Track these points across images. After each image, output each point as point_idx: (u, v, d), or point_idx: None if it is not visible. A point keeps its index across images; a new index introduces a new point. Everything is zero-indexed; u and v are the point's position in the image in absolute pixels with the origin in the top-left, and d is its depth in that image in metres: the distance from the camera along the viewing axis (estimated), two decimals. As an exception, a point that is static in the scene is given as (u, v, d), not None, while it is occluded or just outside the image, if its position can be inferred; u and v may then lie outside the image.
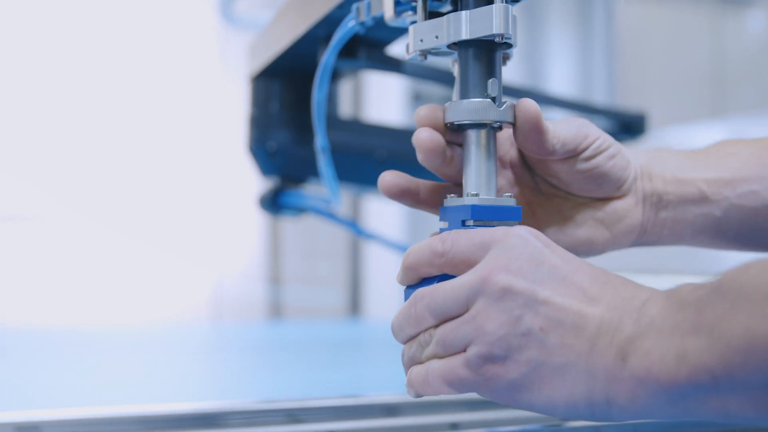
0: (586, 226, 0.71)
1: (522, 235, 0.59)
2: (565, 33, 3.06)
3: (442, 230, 0.67)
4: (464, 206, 0.65)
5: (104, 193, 2.68)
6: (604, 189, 0.70)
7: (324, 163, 0.96)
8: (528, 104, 0.66)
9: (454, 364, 0.59)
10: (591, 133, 0.68)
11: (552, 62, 3.04)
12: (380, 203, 2.71)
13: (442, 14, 0.69)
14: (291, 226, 2.81)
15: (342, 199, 1.02)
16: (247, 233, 2.85)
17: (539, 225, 0.72)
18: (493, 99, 0.66)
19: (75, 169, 2.65)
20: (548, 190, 0.72)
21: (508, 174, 0.73)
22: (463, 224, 0.65)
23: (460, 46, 0.68)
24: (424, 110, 0.68)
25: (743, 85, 3.43)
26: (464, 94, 0.67)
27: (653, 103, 2.23)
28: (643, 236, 0.72)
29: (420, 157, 0.68)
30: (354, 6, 0.81)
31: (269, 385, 1.20)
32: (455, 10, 0.68)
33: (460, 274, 0.60)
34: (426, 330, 0.61)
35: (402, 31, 0.86)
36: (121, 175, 2.69)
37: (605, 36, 3.10)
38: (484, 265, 0.59)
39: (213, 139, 2.77)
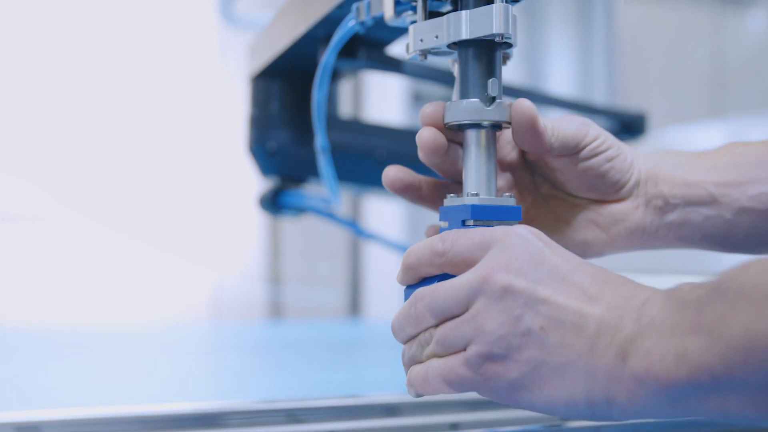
0: (581, 228, 0.71)
1: (522, 234, 0.59)
2: (565, 33, 3.06)
3: (442, 230, 0.67)
4: (464, 206, 0.65)
5: (104, 193, 2.68)
6: (601, 191, 0.70)
7: (324, 163, 0.96)
8: (523, 103, 0.66)
9: (454, 363, 0.59)
10: (591, 132, 0.68)
11: (552, 62, 3.04)
12: (380, 203, 2.71)
13: (442, 14, 0.69)
14: (291, 226, 2.81)
15: (342, 199, 1.02)
16: (247, 233, 2.85)
17: (535, 226, 0.72)
18: (493, 99, 0.66)
19: (75, 169, 2.65)
20: (547, 192, 0.72)
21: (507, 176, 0.73)
22: (463, 224, 0.65)
23: (460, 45, 0.68)
24: (429, 108, 0.69)
25: (743, 85, 3.43)
26: (464, 94, 0.67)
27: (653, 103, 2.23)
28: (648, 240, 0.72)
29: (421, 155, 0.69)
30: (354, 6, 0.81)
31: (269, 385, 1.20)
32: (455, 9, 0.68)
33: (460, 274, 0.60)
34: (426, 330, 0.61)
35: (402, 31, 0.86)
36: (121, 175, 2.69)
37: (605, 36, 3.10)
38: (484, 264, 0.59)
39: (213, 140, 2.77)
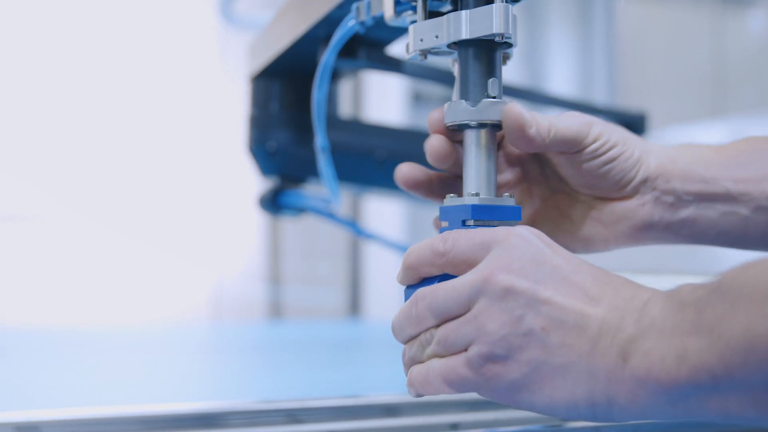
0: (584, 225, 0.71)
1: (523, 235, 0.59)
2: (565, 33, 3.06)
3: (442, 230, 0.67)
4: (464, 206, 0.65)
5: (104, 193, 2.68)
6: (602, 189, 0.70)
7: (324, 163, 0.96)
8: (512, 109, 0.66)
9: (455, 363, 0.59)
10: (592, 133, 0.68)
11: (552, 62, 3.05)
12: (380, 203, 2.71)
13: (442, 14, 0.69)
14: (291, 226, 2.81)
15: (342, 199, 1.02)
16: (247, 233, 2.84)
17: (538, 220, 0.72)
18: (493, 99, 0.66)
19: (75, 169, 2.65)
20: (556, 185, 0.72)
21: (516, 170, 0.73)
22: (464, 224, 0.65)
23: (460, 45, 0.68)
24: (436, 114, 0.70)
25: (743, 85, 3.43)
26: (464, 94, 0.67)
27: (653, 103, 2.23)
28: (658, 236, 0.71)
29: (430, 161, 0.70)
30: (354, 6, 0.81)
31: (269, 385, 1.20)
32: (455, 9, 0.68)
33: (460, 274, 0.60)
34: (427, 330, 0.61)
35: (402, 31, 0.86)
36: (121, 175, 2.69)
37: (605, 36, 3.10)
38: (485, 264, 0.59)
39: (213, 140, 2.77)
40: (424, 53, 0.69)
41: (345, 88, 2.26)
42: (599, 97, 3.01)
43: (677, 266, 1.22)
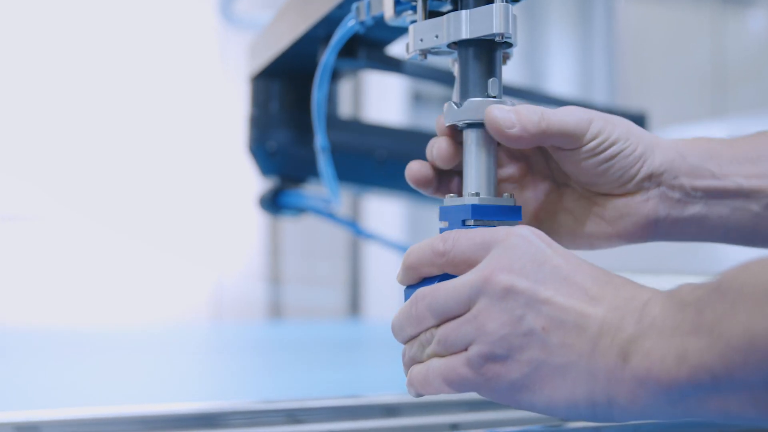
0: (587, 221, 0.69)
1: (524, 235, 0.59)
2: (565, 33, 3.06)
3: (442, 230, 0.67)
4: (464, 206, 0.65)
5: (104, 193, 2.68)
6: (602, 186, 0.68)
7: (324, 163, 0.96)
8: (489, 113, 0.65)
9: (456, 363, 0.59)
10: (591, 130, 0.66)
11: (552, 62, 3.05)
12: (380, 203, 2.71)
13: (442, 13, 0.69)
14: (291, 226, 2.81)
15: (342, 199, 1.02)
16: (247, 233, 2.84)
17: (541, 215, 0.71)
18: (494, 98, 0.66)
19: (75, 169, 2.65)
20: (561, 179, 0.71)
21: (521, 164, 0.72)
22: (464, 224, 0.65)
23: (460, 45, 0.68)
24: (443, 119, 0.69)
25: (744, 85, 3.43)
26: (464, 94, 0.67)
27: (654, 103, 2.23)
28: (664, 233, 0.69)
29: (438, 163, 0.70)
30: (354, 5, 0.81)
31: (269, 385, 1.20)
32: (455, 9, 0.68)
33: (460, 274, 0.60)
34: (427, 330, 0.61)
35: (402, 31, 0.86)
36: (121, 175, 2.69)
37: (605, 36, 3.10)
38: (485, 264, 0.58)
39: (213, 139, 2.77)
40: (424, 53, 0.69)
41: (345, 88, 2.26)
42: (599, 97, 3.01)
43: (677, 266, 1.22)
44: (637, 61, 3.33)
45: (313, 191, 1.16)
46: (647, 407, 0.54)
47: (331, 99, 1.16)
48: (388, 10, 0.72)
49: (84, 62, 2.65)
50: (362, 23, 0.80)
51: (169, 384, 1.19)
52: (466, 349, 0.58)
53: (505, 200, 0.66)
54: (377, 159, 1.15)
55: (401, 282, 0.65)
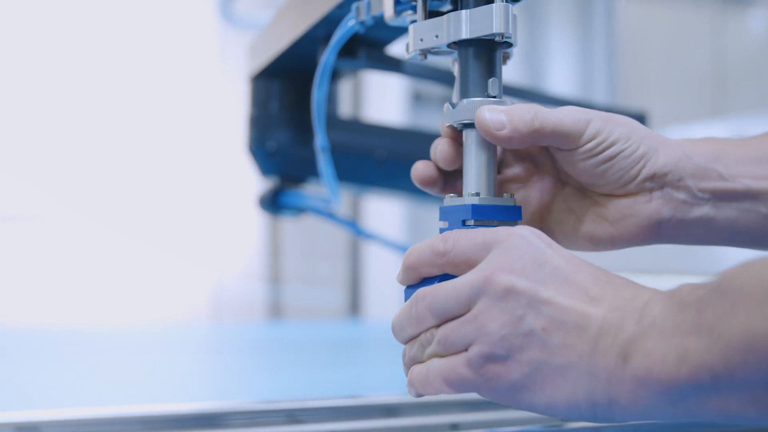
0: (589, 221, 0.68)
1: (524, 235, 0.59)
2: (565, 33, 3.06)
3: (442, 230, 0.67)
4: (464, 206, 0.65)
5: (104, 193, 2.68)
6: (604, 187, 0.67)
7: (324, 163, 0.96)
8: (478, 116, 0.65)
9: (456, 363, 0.59)
10: (589, 131, 0.65)
11: (552, 62, 3.05)
12: (380, 203, 2.71)
13: (442, 13, 0.69)
14: (291, 226, 2.81)
15: (342, 199, 1.02)
16: (247, 233, 2.84)
17: (545, 214, 0.71)
18: (494, 98, 0.66)
19: (75, 169, 2.65)
20: (566, 179, 0.70)
21: (526, 164, 0.72)
22: (464, 224, 0.65)
23: (460, 45, 0.68)
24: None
25: (744, 85, 3.43)
26: (464, 94, 0.67)
27: (654, 103, 2.23)
28: (669, 235, 0.68)
29: (438, 162, 0.70)
30: (354, 5, 0.81)
31: (269, 385, 1.20)
32: (455, 9, 0.68)
33: (461, 274, 0.60)
34: (427, 330, 0.61)
35: (402, 31, 0.86)
36: (121, 175, 2.69)
37: (606, 36, 3.10)
38: (486, 264, 0.58)
39: (213, 139, 2.77)
40: (424, 53, 0.69)
41: (345, 88, 2.26)
42: (599, 96, 3.01)
43: (677, 266, 1.22)
44: (637, 61, 3.33)
45: (313, 191, 1.16)
46: (648, 407, 0.54)
47: (331, 99, 1.16)
48: (388, 10, 0.72)
49: (84, 62, 2.65)
50: (362, 23, 0.80)
51: (169, 384, 1.19)
52: (466, 350, 0.58)
53: (505, 200, 0.66)
54: (377, 159, 1.15)
55: (401, 282, 0.65)
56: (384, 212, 2.80)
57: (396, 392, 0.88)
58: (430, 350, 0.60)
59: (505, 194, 0.67)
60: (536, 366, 0.57)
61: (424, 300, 0.60)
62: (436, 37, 0.67)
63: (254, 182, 1.55)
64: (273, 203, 1.18)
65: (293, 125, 1.15)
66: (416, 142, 1.17)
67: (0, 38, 2.59)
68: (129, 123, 2.70)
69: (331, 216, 1.12)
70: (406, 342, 0.63)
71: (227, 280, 2.80)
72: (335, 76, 1.11)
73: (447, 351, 0.59)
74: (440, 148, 0.70)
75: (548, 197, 0.71)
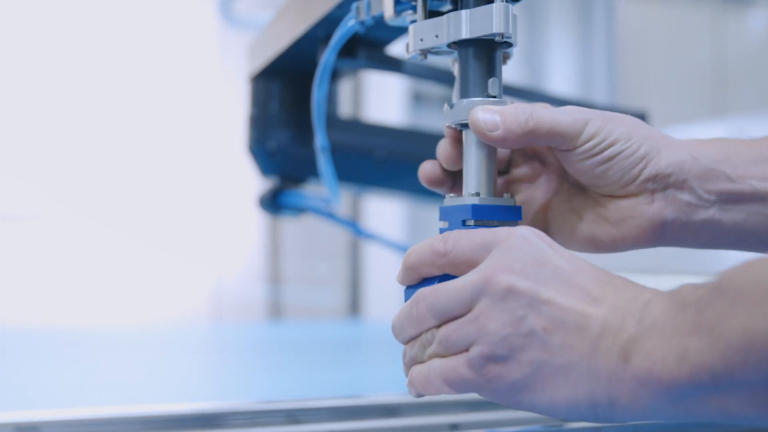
0: (591, 222, 0.68)
1: (525, 235, 0.59)
2: (565, 33, 3.06)
3: (442, 230, 0.67)
4: (465, 206, 0.65)
5: (104, 193, 2.68)
6: (604, 188, 0.67)
7: (324, 163, 0.96)
8: (472, 116, 0.65)
9: (456, 363, 0.59)
10: (587, 131, 0.64)
11: (552, 62, 3.04)
12: (380, 203, 2.71)
13: (442, 13, 0.69)
14: (291, 226, 2.81)
15: (342, 199, 1.02)
16: (247, 233, 2.84)
17: (549, 214, 0.71)
18: (494, 98, 0.66)
19: (75, 169, 2.65)
20: (571, 178, 0.69)
21: (533, 164, 0.71)
22: (464, 224, 0.65)
23: (460, 45, 0.68)
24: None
25: (744, 85, 3.43)
26: (464, 94, 0.67)
27: (654, 103, 2.22)
28: (673, 237, 0.67)
29: (444, 165, 0.70)
30: (354, 5, 0.81)
31: (269, 385, 1.20)
32: (455, 9, 0.68)
33: (461, 275, 0.60)
34: (428, 330, 0.61)
35: (402, 31, 0.86)
36: (120, 175, 2.69)
37: (606, 36, 3.10)
38: (486, 265, 0.58)
39: (212, 139, 2.77)
40: (424, 53, 0.69)
41: (345, 88, 2.26)
42: (599, 96, 3.01)
43: (677, 266, 1.22)
44: (637, 61, 3.33)
45: (313, 191, 1.16)
46: (648, 407, 0.54)
47: (331, 99, 1.16)
48: (388, 9, 0.72)
49: (84, 62, 2.65)
50: (362, 23, 0.80)
51: (169, 384, 1.19)
52: (467, 350, 0.58)
53: (505, 200, 0.66)
54: (377, 159, 1.15)
55: (401, 282, 0.65)
56: (384, 212, 2.80)
57: (396, 392, 0.88)
58: (430, 350, 0.60)
59: (505, 194, 0.67)
60: (537, 366, 0.57)
61: (425, 300, 0.60)
62: (436, 37, 0.67)
63: (254, 182, 1.55)
64: (273, 203, 1.18)
65: (293, 125, 1.15)
66: (416, 142, 1.17)
67: (0, 38, 2.59)
68: (129, 123, 2.70)
69: (331, 216, 1.12)
70: (406, 342, 0.63)
71: (227, 280, 2.80)
72: (335, 76, 1.11)
73: (448, 351, 0.59)
74: (442, 149, 0.70)
75: (552, 196, 0.71)
